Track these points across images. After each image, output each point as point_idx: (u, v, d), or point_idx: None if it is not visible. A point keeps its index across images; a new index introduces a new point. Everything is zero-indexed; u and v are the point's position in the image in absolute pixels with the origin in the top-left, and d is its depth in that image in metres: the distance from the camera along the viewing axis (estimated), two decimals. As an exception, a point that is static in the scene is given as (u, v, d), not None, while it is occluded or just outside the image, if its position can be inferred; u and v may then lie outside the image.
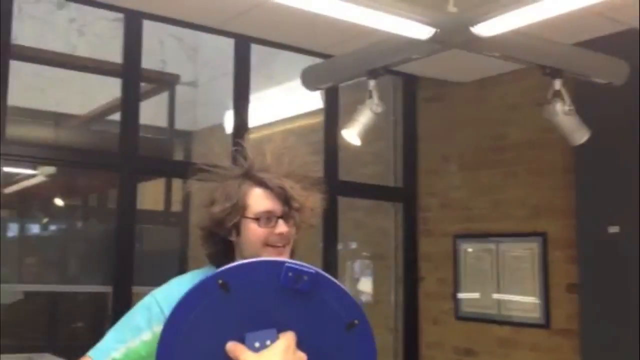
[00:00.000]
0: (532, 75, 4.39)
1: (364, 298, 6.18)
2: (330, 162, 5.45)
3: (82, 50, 6.15)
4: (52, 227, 6.69)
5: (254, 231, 1.89)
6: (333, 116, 5.45)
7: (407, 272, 5.79)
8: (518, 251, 5.06)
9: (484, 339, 5.21)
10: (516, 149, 5.15)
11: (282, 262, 1.40)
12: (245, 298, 1.38)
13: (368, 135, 3.98)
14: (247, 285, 1.38)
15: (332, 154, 5.45)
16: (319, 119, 5.69)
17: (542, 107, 3.89)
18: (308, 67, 4.38)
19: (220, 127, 6.06)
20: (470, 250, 5.39)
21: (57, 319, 6.79)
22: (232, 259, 1.91)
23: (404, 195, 5.90)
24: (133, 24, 4.61)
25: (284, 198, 1.90)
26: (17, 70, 5.42)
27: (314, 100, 5.82)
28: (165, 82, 6.79)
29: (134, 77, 4.70)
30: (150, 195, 7.28)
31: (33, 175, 6.29)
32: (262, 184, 1.91)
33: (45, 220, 6.61)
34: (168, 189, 7.18)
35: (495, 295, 5.17)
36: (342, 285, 1.43)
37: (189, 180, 1.98)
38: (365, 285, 6.22)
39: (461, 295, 5.41)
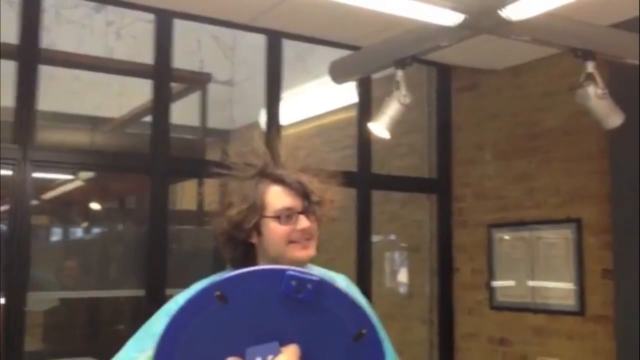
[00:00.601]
0: (566, 61, 4.28)
1: (401, 290, 6.16)
2: (363, 156, 5.41)
3: (120, 52, 6.18)
4: (89, 232, 6.73)
5: (275, 230, 1.84)
6: (366, 109, 5.37)
7: (442, 264, 5.72)
8: (552, 238, 4.97)
9: (519, 328, 5.14)
10: (550, 135, 5.05)
11: (284, 270, 1.30)
12: (244, 310, 1.29)
13: (402, 127, 3.92)
14: (246, 296, 1.29)
15: (365, 147, 5.40)
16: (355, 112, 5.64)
17: (575, 92, 3.81)
18: (335, 60, 4.34)
19: (257, 124, 6.06)
20: (504, 238, 5.32)
21: (98, 323, 6.80)
22: (255, 263, 1.87)
23: (438, 187, 5.82)
24: (164, 23, 4.60)
25: (303, 193, 1.86)
26: (57, 75, 5.47)
27: (352, 94, 5.78)
28: (198, 81, 6.77)
29: (165, 77, 4.68)
30: (191, 195, 7.28)
31: (69, 180, 6.32)
32: (279, 180, 1.86)
33: (84, 224, 6.65)
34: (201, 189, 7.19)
35: (530, 283, 5.09)
36: (349, 294, 1.33)
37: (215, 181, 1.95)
38: (402, 277, 6.18)
39: (496, 284, 5.35)
